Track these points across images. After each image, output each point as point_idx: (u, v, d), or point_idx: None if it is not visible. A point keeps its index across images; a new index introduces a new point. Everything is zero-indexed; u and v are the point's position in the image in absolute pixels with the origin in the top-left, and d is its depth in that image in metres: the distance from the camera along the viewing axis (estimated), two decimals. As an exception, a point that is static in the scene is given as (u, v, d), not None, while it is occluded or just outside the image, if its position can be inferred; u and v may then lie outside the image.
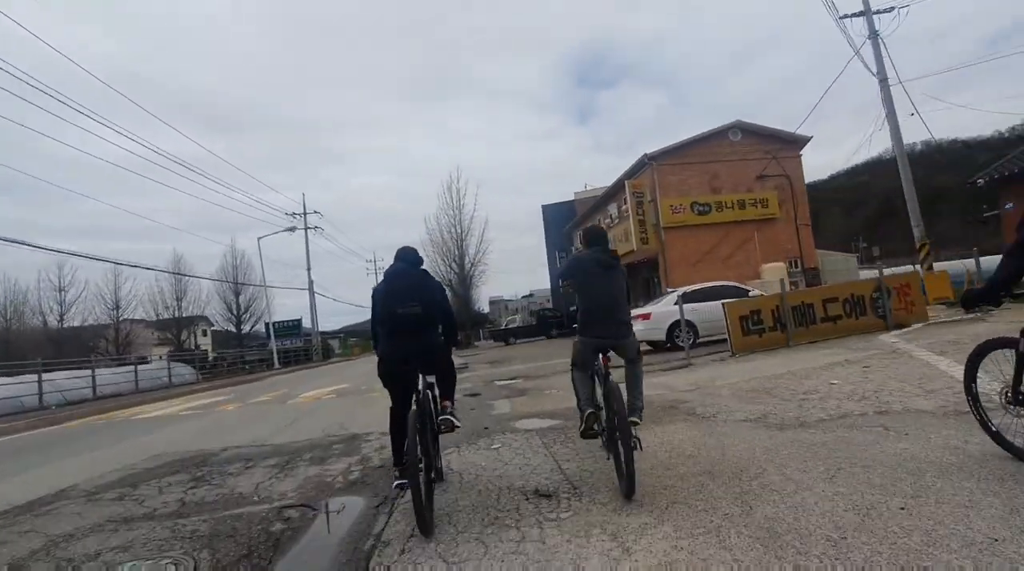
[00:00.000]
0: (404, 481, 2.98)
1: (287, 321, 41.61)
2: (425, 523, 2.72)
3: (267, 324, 35.51)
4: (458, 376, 3.85)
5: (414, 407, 3.07)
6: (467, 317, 40.46)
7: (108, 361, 26.85)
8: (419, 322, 3.17)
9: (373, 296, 3.36)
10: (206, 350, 50.06)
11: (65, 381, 15.76)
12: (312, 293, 38.08)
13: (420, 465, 2.78)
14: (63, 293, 42.19)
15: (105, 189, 62.26)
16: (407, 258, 3.48)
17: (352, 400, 9.74)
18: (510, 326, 40.22)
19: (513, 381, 10.29)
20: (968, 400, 3.16)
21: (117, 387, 17.36)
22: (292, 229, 32.64)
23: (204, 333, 60.74)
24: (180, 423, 8.94)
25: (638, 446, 3.09)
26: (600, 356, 3.53)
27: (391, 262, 3.50)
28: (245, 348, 42.51)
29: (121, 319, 44.96)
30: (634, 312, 4.43)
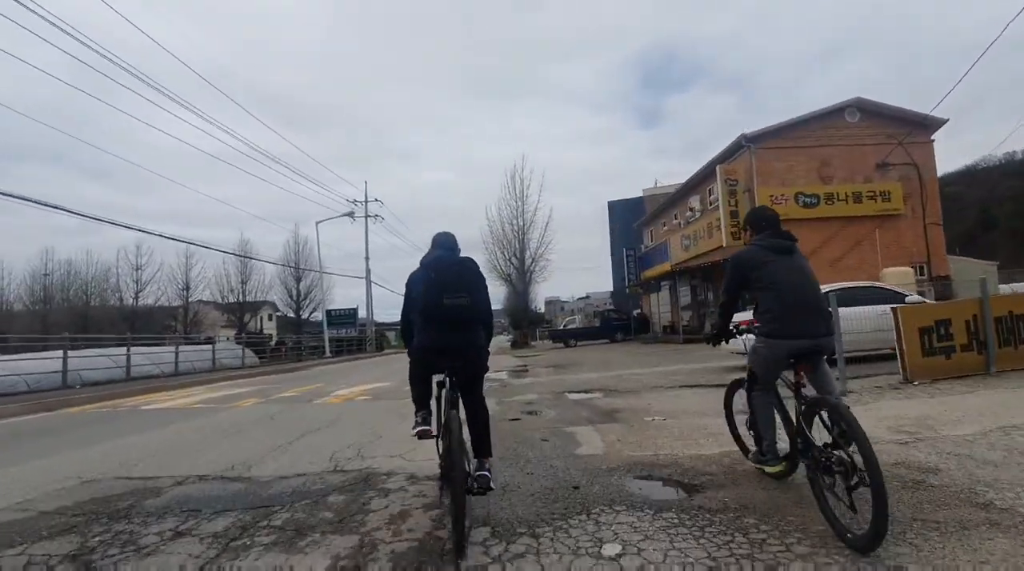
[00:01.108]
0: (426, 428, 2.99)
1: (343, 309, 40.98)
2: (461, 543, 2.38)
3: (323, 311, 34.81)
4: (518, 381, 4.31)
5: (451, 411, 2.76)
6: (525, 315, 38.35)
7: (178, 340, 26.86)
8: (465, 314, 2.87)
9: (410, 284, 3.15)
10: (269, 334, 50.89)
11: (98, 359, 14.83)
12: (368, 282, 37.18)
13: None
14: (139, 272, 43.68)
15: (184, 177, 64.77)
16: (447, 245, 3.23)
17: (386, 406, 7.76)
18: (569, 327, 37.77)
19: (590, 396, 7.96)
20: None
21: (159, 367, 16.45)
22: (351, 214, 31.70)
23: (270, 317, 62.18)
24: (174, 422, 7.24)
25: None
26: (794, 367, 2.81)
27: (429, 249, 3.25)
28: (303, 334, 42.50)
29: (191, 300, 46.40)
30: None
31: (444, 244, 3.24)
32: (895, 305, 7.36)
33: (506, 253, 35.18)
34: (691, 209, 24.04)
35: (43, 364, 13.03)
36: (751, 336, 3.08)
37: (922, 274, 18.44)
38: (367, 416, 6.94)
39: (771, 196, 18.39)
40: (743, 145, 18.80)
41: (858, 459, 2.20)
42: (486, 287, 3.12)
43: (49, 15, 12.45)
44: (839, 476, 2.31)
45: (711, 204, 21.64)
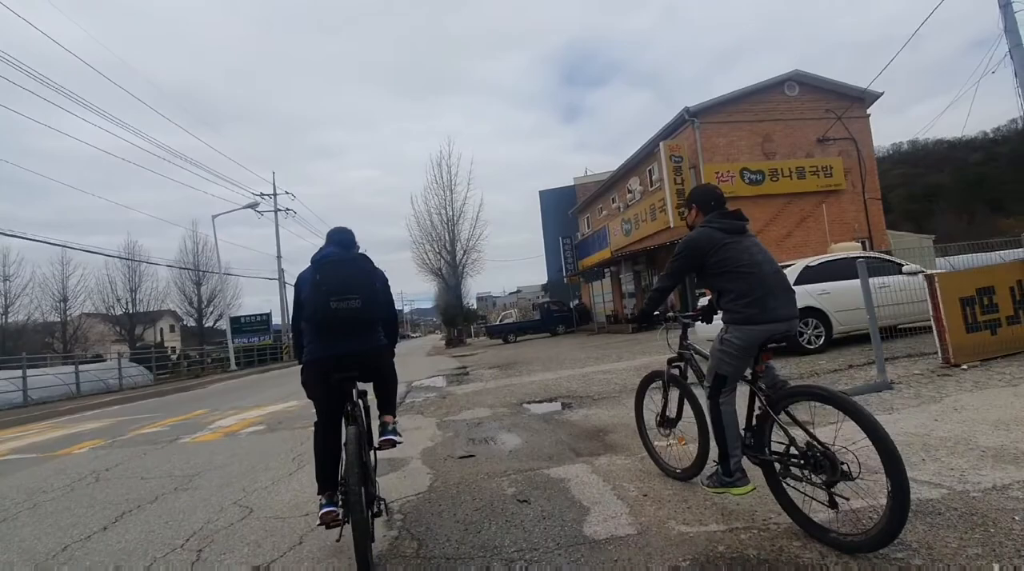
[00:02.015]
0: (332, 509, 2.41)
1: (254, 315, 36.84)
2: (368, 568, 2.19)
3: (227, 318, 30.80)
4: (460, 389, 4.05)
5: (350, 427, 2.43)
6: (459, 311, 36.20)
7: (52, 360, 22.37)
8: (359, 319, 2.53)
9: (297, 285, 2.81)
10: (172, 347, 45.43)
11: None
12: (282, 283, 33.51)
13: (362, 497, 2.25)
14: (7, 283, 37.19)
15: (71, 182, 56.68)
16: (342, 241, 2.79)
17: (279, 443, 5.51)
18: (507, 321, 36.14)
19: (558, 407, 6.13)
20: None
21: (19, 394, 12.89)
22: (255, 205, 27.92)
23: (172, 328, 55.88)
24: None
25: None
26: (759, 354, 2.53)
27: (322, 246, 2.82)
28: (209, 345, 38.01)
29: (76, 314, 40.36)
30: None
31: (340, 241, 2.82)
32: (930, 272, 6.05)
33: (435, 246, 32.88)
34: (630, 191, 22.93)
35: None
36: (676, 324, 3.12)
37: (865, 249, 18.23)
38: (245, 464, 4.69)
39: (717, 173, 17.46)
40: (686, 119, 17.72)
41: (843, 453, 2.10)
42: (385, 284, 2.84)
43: None
44: (821, 472, 2.15)
45: (653, 184, 20.55)
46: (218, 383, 18.26)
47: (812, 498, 2.23)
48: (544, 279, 64.63)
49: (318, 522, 2.44)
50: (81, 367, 18.62)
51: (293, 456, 4.76)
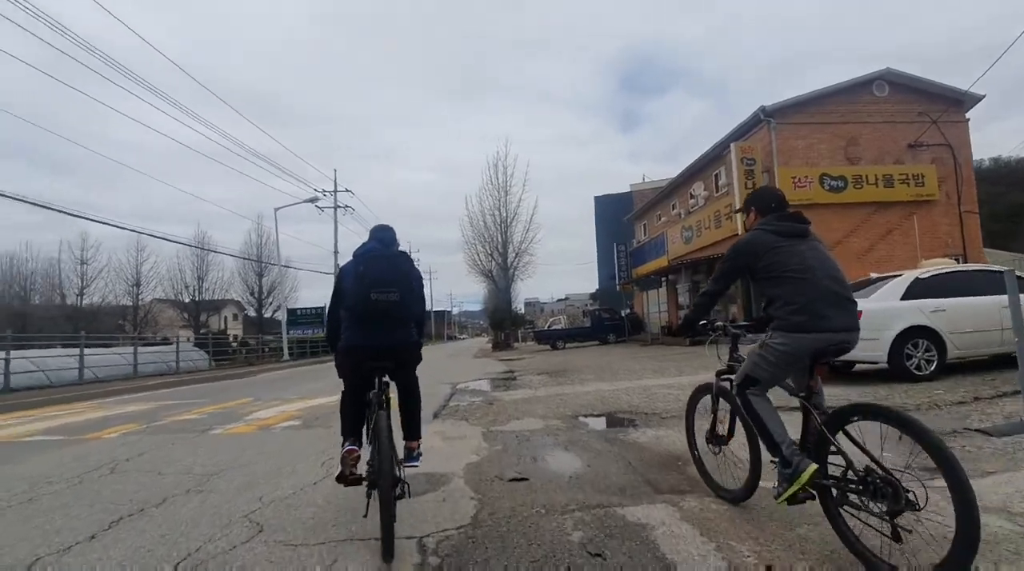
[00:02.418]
0: (354, 448, 2.72)
1: (309, 308, 37.69)
2: (389, 545, 2.30)
3: (284, 310, 31.53)
4: (507, 395, 4.03)
5: (380, 412, 2.57)
6: (507, 315, 35.69)
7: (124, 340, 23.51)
8: (396, 311, 2.70)
9: (339, 277, 2.95)
10: (234, 335, 47.28)
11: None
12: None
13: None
14: (84, 266, 39.74)
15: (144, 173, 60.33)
16: (383, 238, 2.96)
17: (312, 442, 5.02)
18: (555, 327, 35.32)
19: (620, 426, 5.37)
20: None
21: (50, 376, 13.31)
22: (315, 200, 28.42)
23: (235, 317, 58.26)
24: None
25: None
26: (813, 367, 2.36)
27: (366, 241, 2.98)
28: (268, 335, 39.23)
29: (150, 299, 42.69)
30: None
31: (381, 238, 2.97)
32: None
33: (487, 247, 32.53)
34: (693, 196, 21.69)
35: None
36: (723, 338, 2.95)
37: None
38: (271, 465, 4.19)
39: (793, 178, 16.10)
40: (761, 119, 16.44)
41: (909, 480, 1.89)
42: (420, 283, 2.95)
43: None
44: (882, 501, 1.92)
45: (719, 189, 19.30)
46: (269, 372, 18.43)
47: (875, 529, 2.00)
48: (593, 287, 63.27)
49: (345, 449, 2.72)
50: (141, 349, 19.28)
51: (322, 461, 4.24)
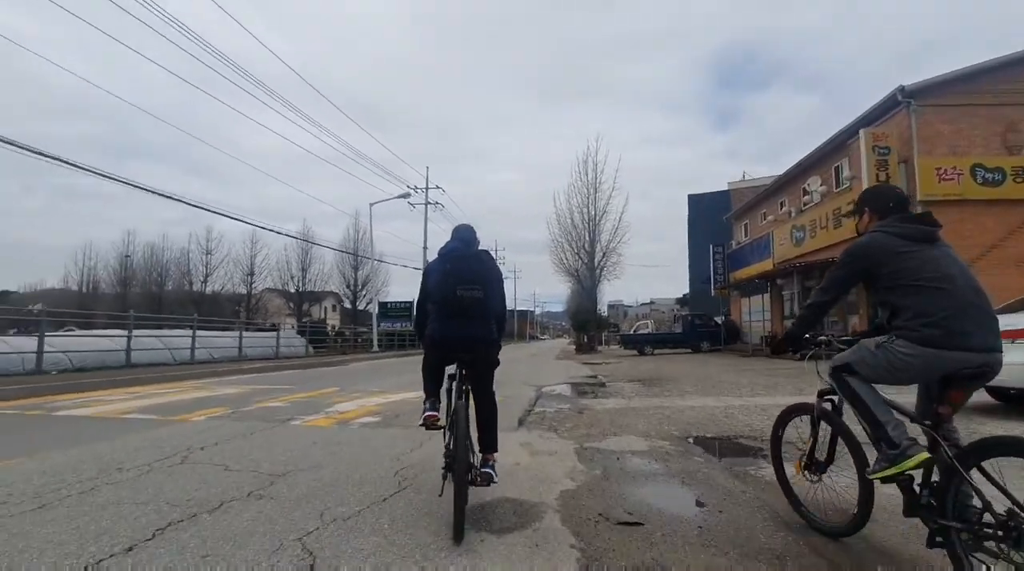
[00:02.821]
0: (435, 413, 2.99)
1: (399, 302, 38.89)
2: (460, 528, 2.43)
3: (376, 302, 32.66)
4: (598, 404, 4.23)
5: (459, 400, 2.83)
6: (592, 317, 34.62)
7: (239, 325, 25.59)
8: (479, 306, 2.86)
9: (426, 273, 3.12)
10: (333, 325, 50.10)
11: (104, 341, 12.81)
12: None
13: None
14: (209, 256, 44.01)
15: (263, 175, 65.91)
16: (465, 238, 3.19)
17: (393, 442, 4.57)
18: (641, 332, 33.74)
19: (749, 457, 4.42)
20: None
21: (180, 353, 14.32)
22: (407, 195, 29.11)
23: (334, 308, 61.80)
24: (33, 451, 4.41)
25: None
26: (941, 393, 2.11)
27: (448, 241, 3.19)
28: (361, 326, 41.03)
29: (261, 289, 46.38)
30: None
31: (463, 237, 3.19)
32: None
33: (574, 246, 31.68)
34: (807, 192, 19.51)
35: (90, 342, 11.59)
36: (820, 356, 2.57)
37: None
38: (340, 470, 3.75)
39: (937, 169, 13.85)
40: (899, 101, 14.26)
41: None
42: (501, 281, 3.14)
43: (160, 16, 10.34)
44: None
45: (841, 183, 17.15)
46: (359, 362, 18.87)
47: None
48: (680, 291, 60.04)
49: (420, 422, 3.00)
50: (249, 333, 20.58)
51: (396, 470, 3.73)
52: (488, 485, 2.75)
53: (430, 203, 35.08)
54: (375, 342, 27.24)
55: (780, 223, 21.95)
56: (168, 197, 17.16)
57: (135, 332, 12.85)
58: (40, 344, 10.54)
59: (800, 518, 2.72)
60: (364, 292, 45.21)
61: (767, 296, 22.50)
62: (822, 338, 2.60)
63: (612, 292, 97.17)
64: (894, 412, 2.19)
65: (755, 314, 24.61)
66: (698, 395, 8.29)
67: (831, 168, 18.02)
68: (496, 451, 2.91)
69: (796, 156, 17.93)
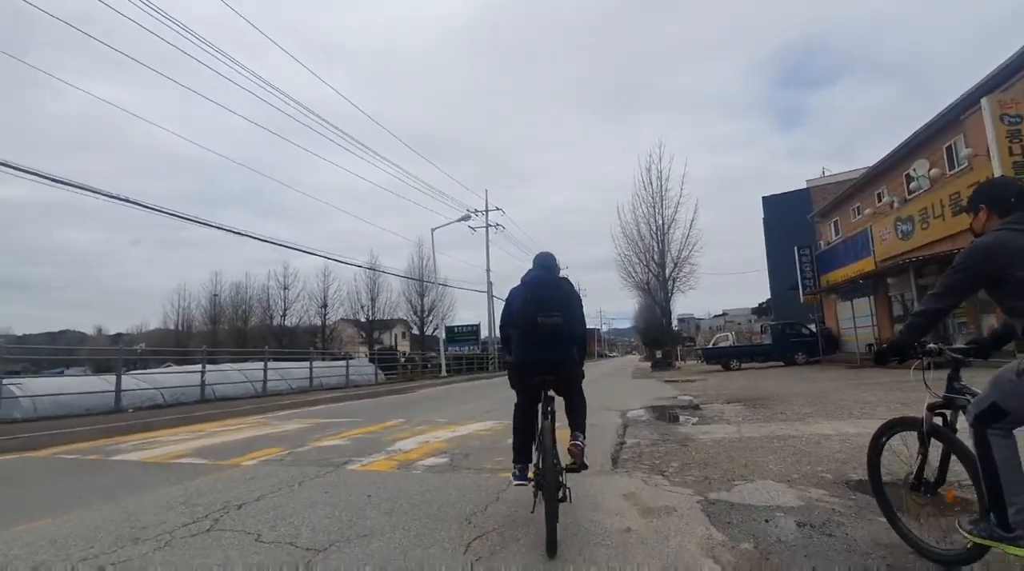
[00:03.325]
0: (523, 482, 3.03)
1: (465, 326, 38.67)
2: (552, 543, 2.55)
3: (443, 327, 32.50)
4: (703, 433, 4.15)
5: (545, 421, 2.89)
6: (666, 331, 32.68)
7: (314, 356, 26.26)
8: (559, 332, 3.02)
9: (509, 299, 3.31)
10: (403, 352, 50.85)
11: (180, 376, 12.93)
12: (490, 295, 34.25)
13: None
14: (286, 291, 46.08)
15: (332, 210, 68.87)
16: (546, 264, 3.31)
17: (463, 494, 3.68)
18: (722, 344, 31.42)
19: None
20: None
21: (252, 385, 14.32)
22: (467, 218, 28.93)
23: (403, 335, 62.96)
24: (56, 511, 3.87)
25: None
26: None
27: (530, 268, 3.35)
28: (429, 352, 41.19)
29: (335, 320, 47.97)
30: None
31: (542, 264, 3.30)
32: None
33: (643, 258, 30.08)
34: (913, 178, 17.21)
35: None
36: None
37: None
38: (395, 541, 2.87)
39: (1089, 135, 11.56)
40: (1029, 62, 12.18)
41: None
42: (581, 307, 3.25)
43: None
44: None
45: (958, 164, 14.92)
46: (427, 388, 18.36)
47: None
48: (756, 301, 56.13)
49: (515, 483, 3.12)
50: (320, 363, 20.74)
51: (467, 543, 2.81)
52: (579, 471, 2.99)
53: (491, 225, 34.85)
54: (443, 367, 26.83)
55: (880, 216, 19.57)
56: (264, 240, 18.11)
57: (221, 366, 12.94)
58: (118, 383, 10.63)
59: (902, 539, 2.50)
60: (431, 317, 45.55)
61: (872, 299, 20.00)
62: (931, 346, 2.35)
63: (681, 306, 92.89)
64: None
65: (858, 320, 21.99)
66: (823, 418, 6.86)
67: (941, 148, 15.78)
68: (584, 435, 3.08)
69: (875, 148, 15.92)
